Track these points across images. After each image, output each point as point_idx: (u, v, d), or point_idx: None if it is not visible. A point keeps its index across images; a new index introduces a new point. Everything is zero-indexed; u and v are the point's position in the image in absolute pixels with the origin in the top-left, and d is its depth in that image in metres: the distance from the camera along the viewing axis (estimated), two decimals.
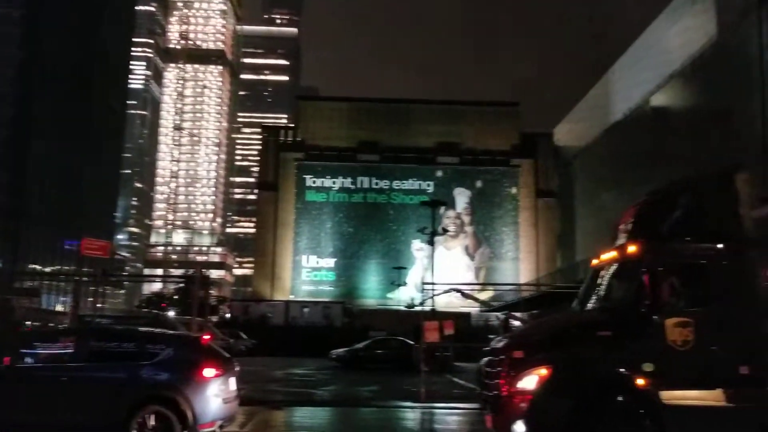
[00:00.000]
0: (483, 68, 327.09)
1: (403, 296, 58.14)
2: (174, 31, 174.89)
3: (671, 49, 42.19)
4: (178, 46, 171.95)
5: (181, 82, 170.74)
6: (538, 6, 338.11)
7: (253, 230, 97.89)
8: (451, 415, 14.52)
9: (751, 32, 34.13)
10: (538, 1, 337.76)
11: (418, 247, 64.29)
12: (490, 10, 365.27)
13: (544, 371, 7.74)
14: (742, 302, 7.90)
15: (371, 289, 66.93)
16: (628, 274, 8.37)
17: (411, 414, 14.56)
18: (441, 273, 41.80)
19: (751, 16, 33.91)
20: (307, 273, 67.96)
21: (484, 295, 53.46)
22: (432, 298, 26.71)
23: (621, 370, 7.75)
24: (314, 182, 69.05)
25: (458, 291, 35.67)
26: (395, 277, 53.93)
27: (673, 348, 7.69)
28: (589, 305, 8.93)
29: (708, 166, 15.93)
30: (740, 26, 35.01)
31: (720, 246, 8.07)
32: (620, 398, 7.68)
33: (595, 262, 9.34)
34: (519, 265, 67.11)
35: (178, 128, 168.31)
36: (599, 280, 9.07)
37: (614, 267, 8.79)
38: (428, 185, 67.94)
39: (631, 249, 8.29)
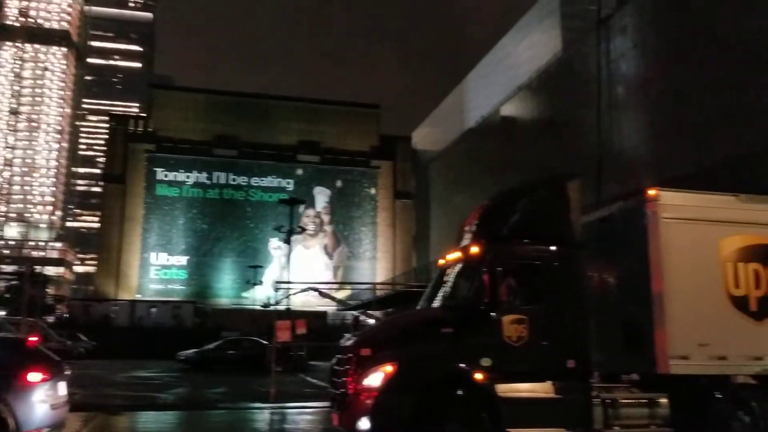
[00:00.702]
0: (345, 70, 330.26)
1: (259, 295, 57.24)
2: (12, 6, 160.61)
3: (520, 62, 44.87)
4: (17, 24, 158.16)
5: (19, 62, 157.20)
6: (398, 13, 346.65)
7: (97, 225, 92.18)
8: (301, 414, 14.45)
9: (591, 50, 37.07)
10: (399, 8, 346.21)
11: (275, 245, 63.55)
12: (353, 12, 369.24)
13: (389, 368, 7.89)
14: (570, 301, 8.51)
15: (226, 289, 65.31)
16: (471, 273, 8.74)
17: (260, 415, 14.34)
18: (299, 272, 41.66)
19: (592, 35, 36.85)
20: (156, 271, 65.06)
21: (342, 294, 53.87)
22: (288, 297, 26.50)
23: (461, 365, 8.07)
24: (166, 176, 66.25)
25: (315, 290, 35.63)
26: (251, 276, 52.97)
27: (508, 344, 8.12)
28: (435, 303, 9.23)
29: (549, 173, 17.12)
30: (582, 44, 37.92)
31: (553, 248, 8.63)
32: (460, 392, 7.99)
33: (441, 261, 9.68)
34: (376, 264, 68.38)
35: (14, 112, 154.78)
36: (445, 279, 9.41)
37: (459, 266, 9.15)
38: (288, 183, 67.47)
39: (474, 249, 8.68)
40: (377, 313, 28.96)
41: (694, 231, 9.28)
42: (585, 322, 8.51)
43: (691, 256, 9.17)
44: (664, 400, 8.77)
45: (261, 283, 56.85)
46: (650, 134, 32.32)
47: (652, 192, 9.25)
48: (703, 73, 28.00)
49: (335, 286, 55.28)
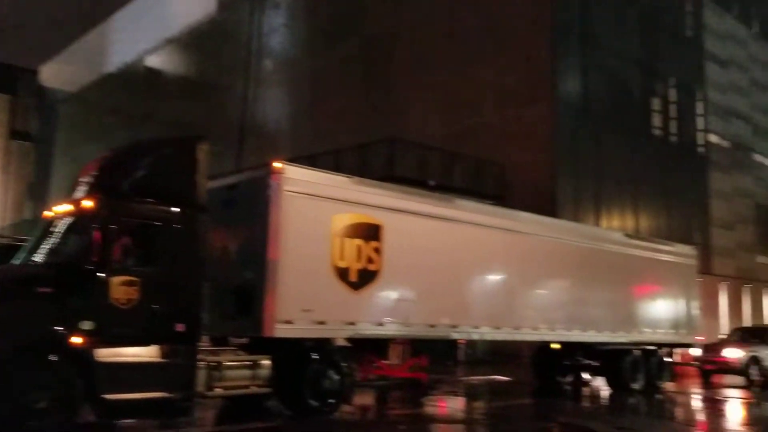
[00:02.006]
0: None
1: None
2: None
3: (174, 13, 42.92)
4: None
5: None
6: None
7: None
8: None
9: (245, 18, 37.30)
10: None
11: None
12: None
13: None
14: (187, 264, 8.36)
15: None
16: (81, 229, 7.99)
17: None
18: None
19: (248, 2, 37.07)
20: None
21: None
22: None
23: (58, 328, 7.34)
24: None
25: None
26: None
27: (116, 306, 7.64)
28: (36, 259, 8.22)
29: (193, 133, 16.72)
30: (237, 9, 37.89)
31: (174, 209, 8.35)
32: (53, 358, 7.26)
33: (48, 213, 8.66)
34: None
35: None
36: (51, 233, 8.43)
37: (68, 220, 8.28)
38: None
39: (86, 203, 7.94)
40: None
41: (312, 205, 9.95)
42: (199, 286, 8.46)
43: (307, 228, 9.83)
44: (266, 362, 9.26)
45: None
46: (291, 111, 33.98)
47: (277, 165, 9.63)
48: (347, 66, 30.46)
49: None
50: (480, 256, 12.43)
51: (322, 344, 10.13)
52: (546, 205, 22.30)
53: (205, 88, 38.46)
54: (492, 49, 25.47)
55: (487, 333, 12.56)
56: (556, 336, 14.10)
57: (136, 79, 45.08)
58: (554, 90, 24.17)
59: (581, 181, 24.64)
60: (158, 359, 8.04)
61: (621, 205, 26.52)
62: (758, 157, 36.37)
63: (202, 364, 8.45)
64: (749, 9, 37.23)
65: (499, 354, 19.29)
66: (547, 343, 14.88)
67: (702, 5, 33.08)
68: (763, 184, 36.34)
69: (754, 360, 18.88)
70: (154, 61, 44.39)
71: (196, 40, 40.15)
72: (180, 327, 8.16)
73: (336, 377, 10.03)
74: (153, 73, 43.92)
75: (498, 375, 16.92)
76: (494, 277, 12.92)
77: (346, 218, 10.39)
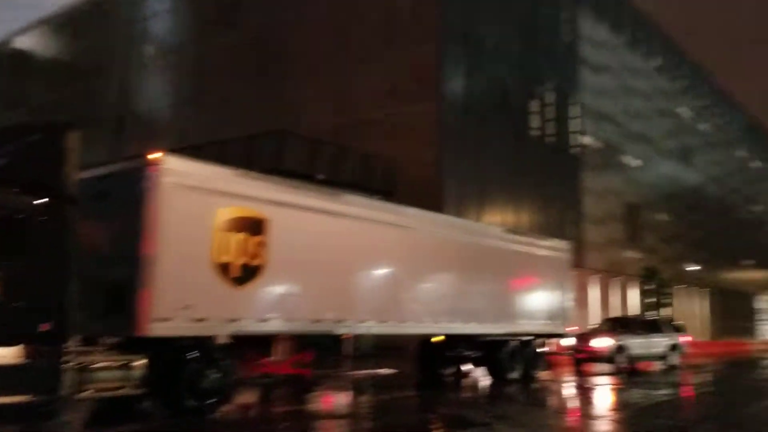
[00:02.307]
0: None
1: None
2: None
3: None
4: None
5: None
6: None
7: None
8: None
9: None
10: None
11: None
12: None
13: None
14: (54, 259, 7.82)
15: None
16: None
17: None
18: None
19: None
20: None
21: None
22: None
23: None
24: None
25: None
26: None
27: None
28: None
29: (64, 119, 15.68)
30: None
31: (41, 201, 7.79)
32: None
33: None
34: None
35: None
36: None
37: None
38: None
39: None
40: None
41: (192, 198, 9.61)
42: (67, 282, 7.94)
43: (186, 222, 9.47)
44: (140, 362, 8.86)
45: None
46: (176, 100, 32.77)
47: (155, 155, 9.23)
48: (235, 55, 29.72)
49: None
50: (367, 251, 12.51)
51: (202, 342, 9.81)
52: (432, 201, 22.80)
53: (82, 73, 36.35)
54: (381, 46, 25.72)
55: (372, 327, 12.67)
56: (439, 329, 14.46)
57: (3, 61, 41.90)
58: (439, 89, 24.75)
59: (465, 178, 25.38)
60: (21, 361, 7.47)
61: (502, 202, 27.59)
62: (627, 159, 38.96)
63: (69, 365, 7.94)
64: (621, 19, 39.76)
65: (385, 348, 19.50)
66: (430, 336, 15.21)
67: (577, 14, 34.97)
68: (631, 184, 38.97)
69: (621, 348, 20.23)
70: (24, 42, 41.42)
71: (72, 22, 37.84)
72: (45, 326, 7.62)
73: (216, 376, 9.76)
74: (22, 55, 40.98)
75: (383, 369, 17.12)
76: (380, 272, 13.04)
77: (229, 212, 10.12)
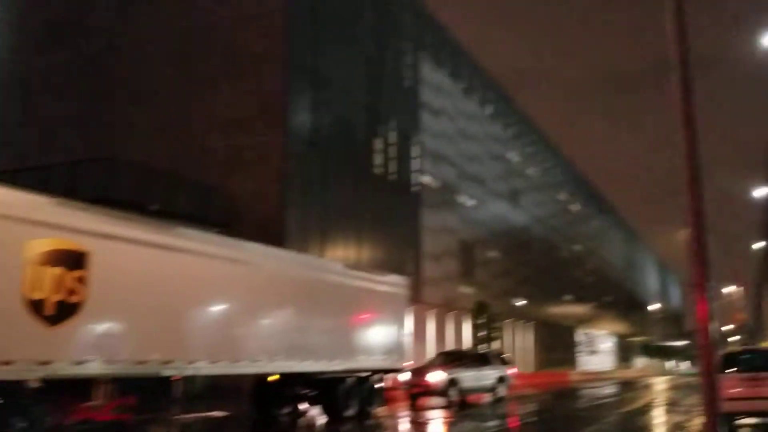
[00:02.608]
0: None
1: None
2: None
3: None
4: None
5: None
6: None
7: None
8: None
9: None
10: None
11: None
12: None
13: None
14: None
15: None
16: None
17: None
18: None
19: None
20: None
21: None
22: None
23: None
24: None
25: None
26: None
27: None
28: None
29: None
30: None
31: None
32: None
33: None
34: None
35: None
36: None
37: None
38: None
39: None
40: None
41: (1, 228, 8.70)
42: None
43: None
44: None
45: None
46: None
47: None
48: (62, 76, 27.76)
49: None
50: (200, 287, 11.99)
51: (10, 387, 8.82)
52: (274, 235, 22.49)
53: None
54: (226, 76, 25.24)
55: (203, 368, 12.09)
56: (275, 367, 14.11)
57: None
58: (285, 122, 24.66)
59: (309, 213, 25.35)
60: None
61: (345, 237, 27.83)
62: (463, 198, 41.03)
63: None
64: (459, 68, 42.21)
65: (219, 388, 18.71)
66: (266, 375, 14.80)
67: (419, 60, 36.65)
68: (466, 223, 41.02)
69: (453, 382, 20.91)
70: None
71: None
72: None
73: (22, 424, 8.79)
74: None
75: (216, 411, 16.36)
76: (214, 309, 12.54)
77: (43, 244, 9.27)
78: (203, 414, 15.68)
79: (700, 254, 6.62)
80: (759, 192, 39.73)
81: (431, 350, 32.30)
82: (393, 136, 33.04)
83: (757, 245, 54.52)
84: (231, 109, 24.73)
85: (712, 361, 6.59)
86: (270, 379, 14.83)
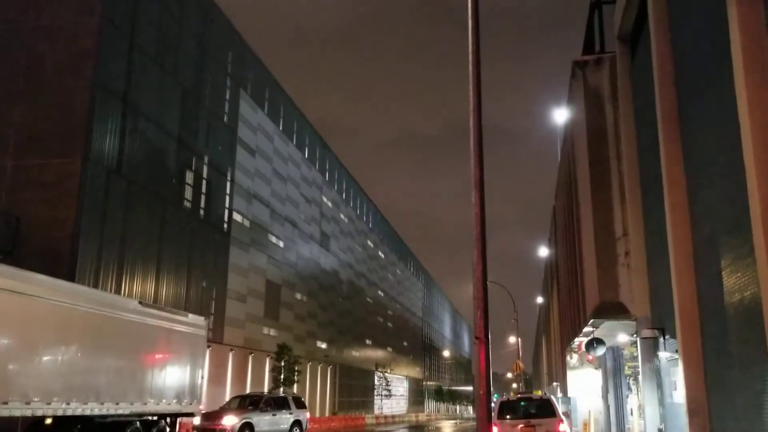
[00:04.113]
0: None
1: None
2: None
3: None
4: None
5: None
6: None
7: None
8: None
9: None
10: None
11: None
12: None
13: None
14: None
15: None
16: None
17: None
18: None
19: None
20: None
21: None
22: None
23: None
24: None
25: None
26: None
27: None
28: None
29: None
30: None
31: None
32: None
33: None
34: None
35: None
36: None
37: None
38: None
39: None
40: None
41: None
42: None
43: None
44: None
45: None
46: None
47: None
48: None
49: None
50: None
51: None
52: (64, 266, 20.81)
53: None
54: (27, 88, 23.25)
55: None
56: (51, 410, 12.92)
57: None
58: (88, 146, 23.09)
59: (106, 243, 23.77)
60: None
61: (145, 272, 26.39)
62: (272, 238, 40.87)
63: None
64: (278, 108, 42.55)
65: None
66: (42, 418, 13.49)
67: (239, 97, 36.43)
68: (274, 263, 40.83)
69: (247, 426, 20.47)
70: None
71: None
72: None
73: None
74: None
75: None
76: None
77: None
78: None
79: (482, 308, 7.22)
80: (542, 251, 44.10)
81: (230, 393, 31.36)
82: (206, 171, 32.27)
83: (539, 300, 60.16)
84: (29, 123, 22.78)
85: (488, 408, 7.16)
86: (47, 422, 13.53)
